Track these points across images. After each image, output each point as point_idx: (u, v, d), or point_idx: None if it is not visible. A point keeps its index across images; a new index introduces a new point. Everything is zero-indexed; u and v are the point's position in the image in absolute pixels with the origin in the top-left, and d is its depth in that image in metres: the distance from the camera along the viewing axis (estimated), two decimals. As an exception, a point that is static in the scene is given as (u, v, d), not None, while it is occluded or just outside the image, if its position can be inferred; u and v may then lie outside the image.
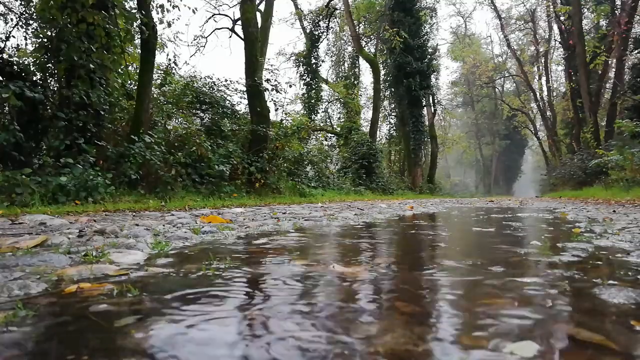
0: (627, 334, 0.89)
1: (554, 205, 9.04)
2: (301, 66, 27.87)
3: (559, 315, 1.03)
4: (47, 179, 6.21)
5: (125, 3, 9.22)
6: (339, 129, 27.39)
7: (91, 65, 7.73)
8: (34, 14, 8.47)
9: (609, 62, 22.81)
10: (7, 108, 7.00)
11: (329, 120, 30.47)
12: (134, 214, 5.26)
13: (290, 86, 20.80)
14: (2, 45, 7.97)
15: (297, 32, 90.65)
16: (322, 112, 30.01)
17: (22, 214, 4.53)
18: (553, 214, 5.54)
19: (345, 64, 31.07)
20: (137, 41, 10.48)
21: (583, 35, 21.99)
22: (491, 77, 41.51)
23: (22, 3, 8.76)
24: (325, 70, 32.72)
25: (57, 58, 7.62)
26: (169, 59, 15.13)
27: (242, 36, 14.04)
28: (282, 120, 16.62)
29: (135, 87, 10.17)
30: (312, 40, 28.23)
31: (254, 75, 12.48)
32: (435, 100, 31.26)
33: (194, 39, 23.71)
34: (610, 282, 1.35)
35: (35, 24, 8.65)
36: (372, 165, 21.75)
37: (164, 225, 3.32)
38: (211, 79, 14.33)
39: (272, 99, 14.20)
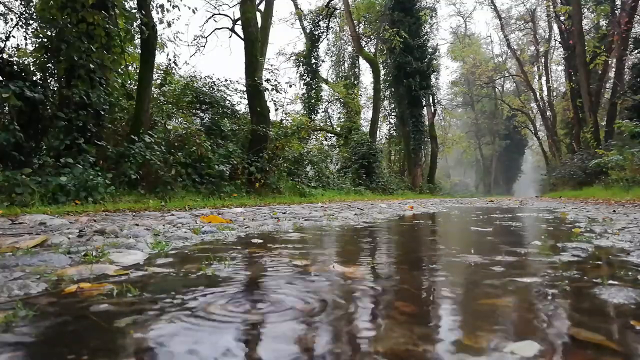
0: (627, 334, 0.89)
1: (554, 205, 9.04)
2: (301, 66, 27.87)
3: (559, 315, 1.03)
4: (47, 179, 6.20)
5: (125, 3, 9.22)
6: (339, 129, 27.39)
7: (91, 65, 7.73)
8: (34, 14, 8.46)
9: (609, 62, 22.83)
10: (7, 108, 7.00)
11: (329, 120, 30.47)
12: (134, 214, 5.26)
13: (290, 86, 20.82)
14: (2, 45, 7.97)
15: (297, 32, 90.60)
16: (322, 112, 30.04)
17: (22, 214, 4.53)
18: (553, 214, 5.54)
19: (345, 64, 31.07)
20: (137, 41, 10.48)
21: (583, 35, 21.99)
22: (491, 77, 41.52)
23: (22, 3, 8.75)
24: (325, 70, 32.75)
25: (57, 58, 7.62)
26: (169, 59, 15.17)
27: (242, 36, 14.03)
28: (282, 120, 16.59)
29: (135, 87, 10.17)
30: (312, 40, 28.21)
31: (254, 75, 12.47)
32: (435, 100, 31.30)
33: (194, 39, 23.72)
34: (611, 282, 1.35)
35: (35, 24, 8.64)
36: (372, 165, 21.75)
37: (164, 225, 3.31)
38: (211, 79, 14.34)
39: (272, 99, 14.19)
